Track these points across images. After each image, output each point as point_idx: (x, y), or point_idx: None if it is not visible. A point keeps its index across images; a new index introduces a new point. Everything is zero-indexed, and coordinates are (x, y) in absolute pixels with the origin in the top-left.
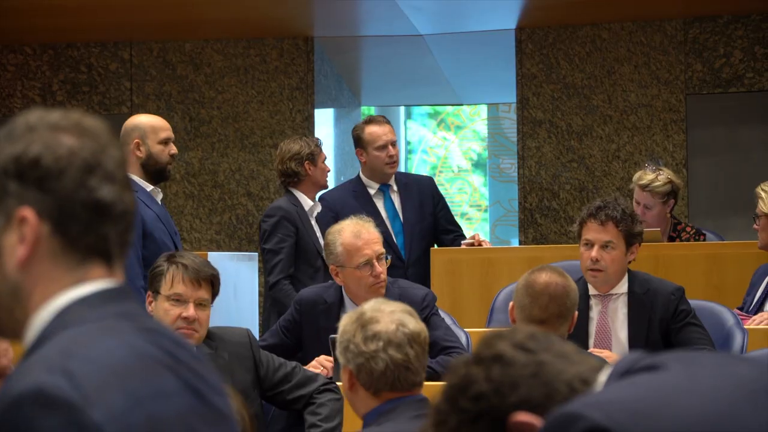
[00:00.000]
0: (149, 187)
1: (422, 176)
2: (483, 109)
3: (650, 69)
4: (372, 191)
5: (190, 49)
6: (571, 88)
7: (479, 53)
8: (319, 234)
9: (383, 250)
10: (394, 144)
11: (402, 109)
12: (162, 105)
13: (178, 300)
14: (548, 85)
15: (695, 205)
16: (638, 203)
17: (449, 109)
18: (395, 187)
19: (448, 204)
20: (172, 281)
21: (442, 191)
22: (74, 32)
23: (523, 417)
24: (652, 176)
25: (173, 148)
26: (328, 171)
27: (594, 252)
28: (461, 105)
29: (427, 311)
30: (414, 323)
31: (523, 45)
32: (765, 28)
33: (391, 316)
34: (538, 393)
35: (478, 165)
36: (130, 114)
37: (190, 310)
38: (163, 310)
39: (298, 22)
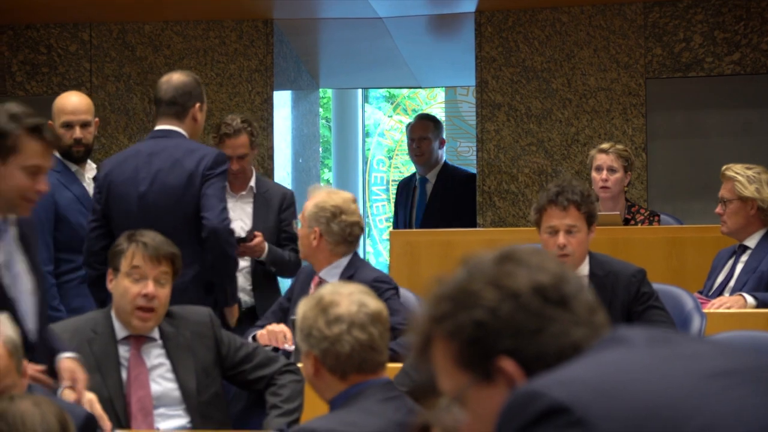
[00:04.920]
0: (73, 167)
1: None
2: (440, 93)
3: (610, 53)
4: (418, 177)
5: (149, 30)
6: (531, 71)
7: (438, 36)
8: None
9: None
10: (421, 139)
11: (360, 92)
12: (121, 86)
13: (138, 278)
14: (507, 68)
15: (654, 189)
16: (601, 168)
17: (405, 92)
18: (432, 182)
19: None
20: (132, 258)
21: (398, 175)
22: (34, 13)
23: (509, 367)
24: (611, 143)
25: (77, 132)
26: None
27: (561, 238)
28: (420, 88)
29: (387, 294)
30: (374, 303)
31: (483, 28)
32: (725, 12)
33: (350, 298)
34: (530, 350)
35: None
36: (90, 95)
37: (150, 287)
38: (123, 287)
39: (258, 4)
